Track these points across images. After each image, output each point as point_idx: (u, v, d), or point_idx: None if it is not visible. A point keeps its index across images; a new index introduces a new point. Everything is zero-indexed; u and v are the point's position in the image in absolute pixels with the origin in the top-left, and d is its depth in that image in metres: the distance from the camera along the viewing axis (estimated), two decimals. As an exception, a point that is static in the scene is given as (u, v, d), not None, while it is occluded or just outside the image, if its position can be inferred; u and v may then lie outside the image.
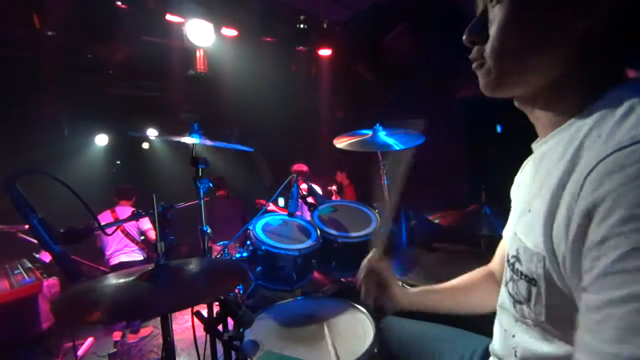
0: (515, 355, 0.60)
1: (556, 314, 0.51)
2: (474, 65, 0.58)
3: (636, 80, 0.49)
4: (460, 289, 0.94)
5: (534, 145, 0.62)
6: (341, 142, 1.91)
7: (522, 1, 0.50)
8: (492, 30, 0.53)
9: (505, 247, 0.65)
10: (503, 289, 0.64)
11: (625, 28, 0.48)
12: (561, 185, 0.46)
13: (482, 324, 0.78)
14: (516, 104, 0.61)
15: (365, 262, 1.02)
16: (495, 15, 0.53)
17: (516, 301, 0.58)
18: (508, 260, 0.61)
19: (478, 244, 1.79)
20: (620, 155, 0.39)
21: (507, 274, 0.61)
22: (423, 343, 0.99)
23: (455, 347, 0.93)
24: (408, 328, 1.07)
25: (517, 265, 0.56)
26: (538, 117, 0.59)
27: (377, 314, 1.16)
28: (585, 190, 0.41)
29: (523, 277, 0.55)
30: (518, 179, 0.73)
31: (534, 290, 0.53)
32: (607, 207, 0.37)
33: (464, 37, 0.58)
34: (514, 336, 0.61)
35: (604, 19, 0.47)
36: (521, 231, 0.57)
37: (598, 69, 0.51)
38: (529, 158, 0.69)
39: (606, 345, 0.35)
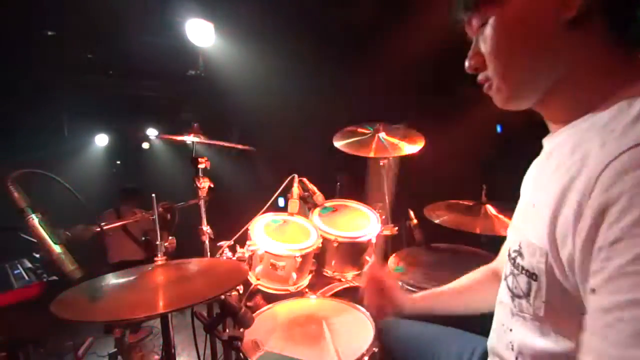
0: (512, 350, 0.60)
1: (555, 309, 0.51)
2: (485, 88, 0.60)
3: None
4: (466, 289, 0.93)
5: (545, 140, 0.62)
6: (341, 142, 1.91)
7: (501, 15, 0.52)
8: (487, 53, 0.56)
9: (509, 241, 0.65)
10: (502, 283, 0.64)
11: (611, 13, 0.48)
12: (570, 180, 0.46)
13: (481, 323, 0.78)
14: (532, 107, 0.62)
15: (366, 268, 1.02)
16: (485, 38, 0.55)
17: (515, 295, 0.58)
18: (509, 255, 0.61)
19: (478, 244, 1.79)
20: (634, 154, 0.38)
21: (507, 268, 0.61)
22: (422, 343, 0.99)
23: (455, 347, 0.93)
24: (407, 329, 1.07)
25: (518, 259, 0.56)
26: (552, 114, 0.59)
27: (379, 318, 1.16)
28: (598, 188, 0.40)
29: (524, 271, 0.55)
30: (528, 173, 0.73)
31: (534, 285, 0.53)
32: (620, 208, 0.37)
33: (466, 68, 0.61)
34: (511, 330, 0.61)
35: (587, 9, 0.47)
36: (525, 225, 0.57)
37: (611, 64, 0.50)
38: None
39: (613, 348, 0.35)
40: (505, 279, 0.62)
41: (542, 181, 0.56)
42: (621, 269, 0.36)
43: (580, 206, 0.42)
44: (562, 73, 0.53)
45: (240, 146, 1.77)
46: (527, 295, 0.55)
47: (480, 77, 0.60)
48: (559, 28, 0.49)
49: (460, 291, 0.95)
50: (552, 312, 0.51)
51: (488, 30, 0.54)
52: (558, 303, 0.50)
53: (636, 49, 0.49)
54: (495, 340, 0.68)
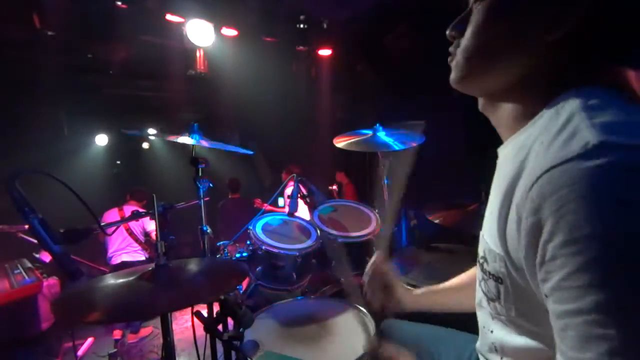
0: (496, 350, 0.62)
1: (525, 309, 0.53)
2: (449, 59, 0.61)
3: (593, 85, 0.48)
4: (465, 286, 0.94)
5: (499, 150, 0.63)
6: (341, 142, 1.91)
7: (495, 8, 0.53)
8: (468, 29, 0.56)
9: (478, 248, 0.66)
10: (477, 287, 0.66)
11: (594, 37, 0.49)
12: (510, 190, 0.48)
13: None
14: (480, 107, 0.64)
15: (369, 265, 1.02)
16: (475, 14, 0.55)
17: (489, 299, 0.60)
18: (478, 261, 0.63)
19: (477, 244, 1.79)
20: (553, 176, 0.40)
21: (479, 273, 0.63)
22: (422, 345, 0.99)
23: (454, 348, 0.94)
24: (408, 330, 1.07)
25: (485, 265, 0.59)
26: (499, 121, 0.61)
27: (380, 316, 1.16)
28: (528, 207, 0.43)
29: (491, 276, 0.57)
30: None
31: (501, 288, 0.55)
32: (548, 230, 0.40)
33: (447, 31, 0.61)
34: (492, 332, 0.63)
35: (572, 33, 0.48)
36: (486, 232, 0.60)
37: (555, 74, 0.51)
38: None
39: (570, 351, 0.40)
40: (479, 284, 0.64)
41: (494, 190, 0.59)
42: (560, 282, 0.40)
43: (519, 222, 0.45)
44: (516, 79, 0.54)
45: (240, 150, 1.76)
46: (498, 298, 0.57)
47: (451, 48, 0.60)
48: (540, 40, 0.50)
49: (460, 288, 0.95)
50: (523, 312, 0.54)
51: (480, 7, 0.54)
52: (525, 303, 0.52)
53: (610, 60, 0.50)
54: (480, 342, 0.70)
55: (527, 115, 0.53)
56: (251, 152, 1.79)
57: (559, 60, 0.51)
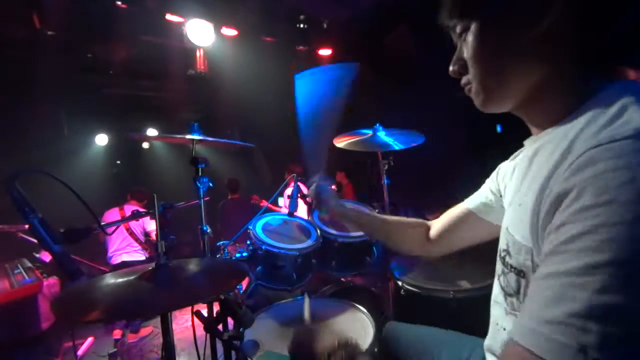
0: None
1: None
2: (466, 90, 0.63)
3: (627, 79, 0.49)
4: (390, 223, 1.09)
5: (526, 142, 0.64)
6: (341, 142, 1.91)
7: (480, 25, 0.55)
8: (468, 58, 0.59)
9: (500, 241, 0.67)
10: (495, 282, 0.66)
11: (582, 25, 0.49)
12: (547, 180, 0.48)
13: (481, 327, 0.78)
14: (512, 110, 0.64)
15: (313, 186, 1.23)
16: (466, 45, 0.59)
17: (507, 294, 0.60)
18: (499, 254, 0.63)
19: (477, 243, 1.79)
20: (596, 152, 0.40)
21: (499, 267, 0.63)
22: (423, 347, 1.00)
23: (454, 350, 0.94)
24: (408, 332, 1.08)
25: (507, 258, 0.59)
26: (532, 119, 0.62)
27: (380, 319, 1.18)
28: (562, 178, 0.43)
29: (513, 269, 0.57)
30: (506, 167, 0.76)
31: (522, 282, 0.55)
32: (572, 197, 0.40)
33: (450, 72, 0.64)
34: (504, 329, 0.63)
35: (558, 21, 0.49)
36: (511, 225, 0.59)
37: (584, 69, 0.52)
38: (520, 150, 0.72)
39: (535, 306, 0.40)
40: (498, 278, 0.64)
41: (527, 182, 0.59)
42: (557, 247, 0.40)
43: (551, 199, 0.45)
44: (536, 80, 0.55)
45: (239, 143, 1.75)
46: (517, 292, 0.57)
47: (463, 80, 0.63)
48: (532, 40, 0.52)
49: (385, 222, 1.10)
50: None
51: (469, 37, 0.57)
52: None
53: (612, 59, 0.51)
54: (491, 339, 0.70)
55: (561, 110, 0.54)
56: (251, 145, 1.78)
57: (564, 53, 0.52)
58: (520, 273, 0.55)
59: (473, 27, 0.56)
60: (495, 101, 0.60)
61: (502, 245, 0.63)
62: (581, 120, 0.49)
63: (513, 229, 0.58)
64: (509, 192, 0.70)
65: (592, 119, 0.47)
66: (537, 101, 0.57)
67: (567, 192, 0.41)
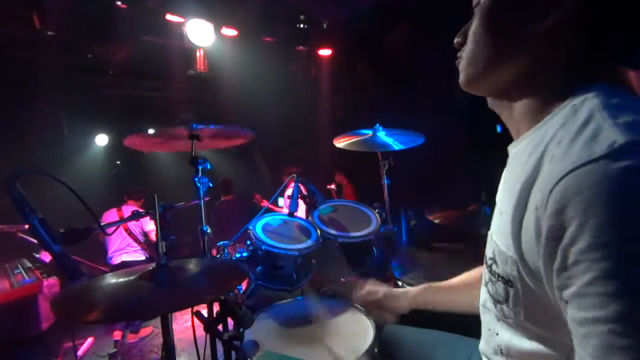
0: (502, 353, 0.61)
1: (534, 313, 0.52)
2: (456, 62, 0.63)
3: (604, 83, 0.48)
4: (465, 286, 0.94)
5: (509, 147, 0.63)
6: (341, 142, 1.91)
7: (490, 8, 0.55)
8: (470, 32, 0.59)
9: (486, 248, 0.65)
10: (483, 289, 0.65)
11: (589, 27, 0.49)
12: (525, 190, 0.47)
13: (480, 329, 0.78)
14: (490, 105, 0.64)
15: (355, 294, 1.14)
16: (473, 20, 0.58)
17: (496, 301, 0.58)
18: (486, 261, 0.61)
19: (478, 244, 1.79)
20: (578, 176, 0.39)
21: (486, 274, 0.62)
22: (422, 349, 1.00)
23: (453, 352, 0.94)
24: (408, 335, 1.08)
25: (494, 267, 0.57)
26: (510, 119, 0.61)
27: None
28: (550, 209, 0.41)
29: (500, 278, 0.55)
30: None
31: (511, 291, 0.54)
32: (572, 233, 0.39)
33: (454, 43, 0.63)
34: (497, 334, 0.62)
35: (564, 21, 0.48)
36: (495, 232, 0.58)
37: (573, 70, 0.51)
38: None
39: (590, 358, 0.38)
40: (486, 285, 0.62)
41: (506, 189, 0.58)
42: (582, 289, 0.38)
43: (537, 224, 0.44)
44: (522, 73, 0.55)
45: (240, 129, 1.71)
46: (506, 300, 0.55)
47: (460, 53, 0.62)
48: (533, 34, 0.51)
49: (459, 288, 0.95)
50: (532, 316, 0.52)
51: (476, 10, 0.57)
52: (536, 307, 0.51)
53: (612, 60, 0.50)
54: (485, 344, 0.69)
55: (540, 111, 0.53)
56: (251, 130, 1.71)
57: (562, 53, 0.51)
58: (508, 282, 0.54)
59: (483, 1, 0.55)
60: (478, 81, 0.60)
61: (488, 252, 0.61)
62: (554, 125, 0.48)
63: (497, 237, 0.56)
64: (497, 199, 0.69)
65: (563, 124, 0.46)
66: (518, 96, 0.57)
67: (565, 227, 0.40)
